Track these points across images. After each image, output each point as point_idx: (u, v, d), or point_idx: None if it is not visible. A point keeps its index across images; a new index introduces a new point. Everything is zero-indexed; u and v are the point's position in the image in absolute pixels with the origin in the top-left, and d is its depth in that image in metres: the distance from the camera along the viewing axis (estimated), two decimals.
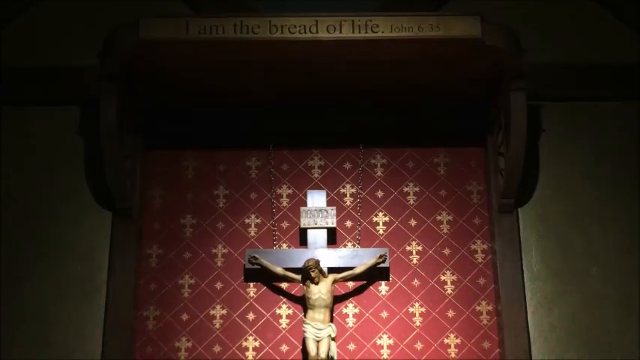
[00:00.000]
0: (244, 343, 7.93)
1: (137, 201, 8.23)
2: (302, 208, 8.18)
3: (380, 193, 8.45)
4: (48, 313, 7.85)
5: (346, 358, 7.87)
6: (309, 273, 7.69)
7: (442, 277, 8.14)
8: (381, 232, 8.30)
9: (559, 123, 8.49)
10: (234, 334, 7.95)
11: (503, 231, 8.11)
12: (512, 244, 8.07)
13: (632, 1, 8.67)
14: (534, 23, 8.61)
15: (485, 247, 8.25)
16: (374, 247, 8.20)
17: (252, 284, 8.12)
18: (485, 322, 8.00)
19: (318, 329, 7.59)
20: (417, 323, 7.99)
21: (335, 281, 7.81)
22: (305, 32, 7.41)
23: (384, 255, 7.97)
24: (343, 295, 8.06)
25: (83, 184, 8.29)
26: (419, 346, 7.92)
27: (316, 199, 8.26)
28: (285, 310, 8.05)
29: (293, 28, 7.41)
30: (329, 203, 8.27)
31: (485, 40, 7.39)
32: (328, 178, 8.49)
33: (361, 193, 8.42)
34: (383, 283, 8.12)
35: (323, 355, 7.52)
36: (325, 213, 8.13)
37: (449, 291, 8.09)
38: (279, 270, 7.88)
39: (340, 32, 7.41)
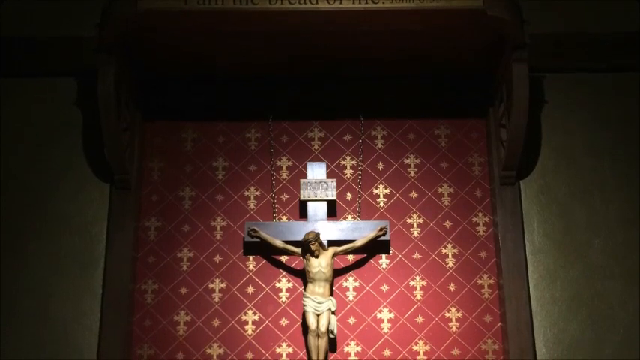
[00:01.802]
0: (244, 317, 7.82)
1: (135, 173, 8.10)
2: (302, 181, 8.05)
3: (380, 165, 8.30)
4: (45, 286, 7.74)
5: (346, 331, 7.76)
6: (309, 246, 7.58)
7: (443, 250, 8.01)
8: (381, 204, 8.16)
9: (561, 94, 8.34)
10: (233, 308, 7.84)
11: (504, 203, 7.96)
12: (514, 217, 7.92)
13: None
14: None
15: (486, 219, 8.11)
16: (374, 219, 8.06)
17: (251, 257, 8.00)
18: (486, 295, 7.87)
19: (318, 303, 7.49)
20: (418, 297, 7.87)
21: (335, 254, 7.71)
22: (305, 3, 7.24)
23: (384, 228, 7.85)
24: (343, 268, 7.95)
25: (81, 156, 8.16)
26: (420, 319, 7.80)
27: (316, 171, 8.12)
28: (284, 283, 7.93)
29: None
30: (329, 175, 8.14)
31: (486, 10, 7.21)
32: (328, 150, 8.36)
33: (361, 165, 8.29)
34: (383, 256, 8.00)
35: (323, 328, 7.43)
36: (325, 185, 8.00)
37: (450, 264, 7.97)
38: (278, 243, 7.76)
39: (340, 3, 7.24)
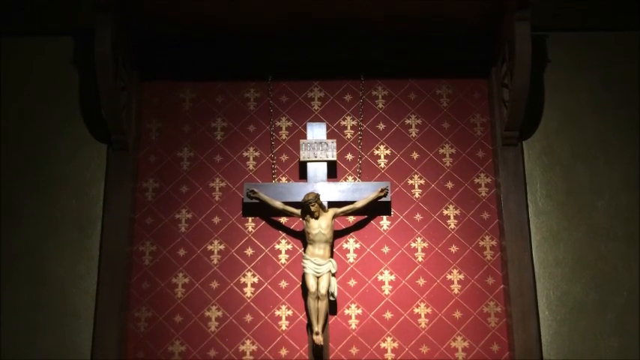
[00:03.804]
0: (243, 279, 7.67)
1: (133, 133, 7.97)
2: (302, 141, 7.87)
3: (381, 126, 8.10)
4: (42, 248, 7.61)
5: (347, 294, 7.61)
6: (308, 207, 7.43)
7: (445, 212, 7.85)
8: (382, 165, 7.97)
9: (564, 54, 8.19)
10: (232, 270, 7.71)
11: (507, 164, 7.80)
12: (517, 178, 7.78)
13: None
14: None
15: (489, 180, 7.94)
16: (375, 180, 7.90)
17: (250, 219, 7.84)
18: (489, 257, 7.72)
19: (318, 265, 7.36)
20: (420, 259, 7.72)
21: (335, 216, 7.57)
22: None
23: (385, 189, 7.69)
24: (344, 229, 7.80)
25: (78, 116, 8.01)
26: (421, 282, 7.65)
27: (316, 131, 7.94)
28: (284, 245, 7.78)
29: None
30: (329, 136, 7.98)
31: None
32: (328, 110, 8.18)
33: (362, 126, 8.10)
34: (384, 217, 7.84)
35: (323, 290, 7.32)
36: (325, 146, 7.83)
37: (452, 226, 7.81)
38: (278, 204, 7.61)
39: None
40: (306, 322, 7.41)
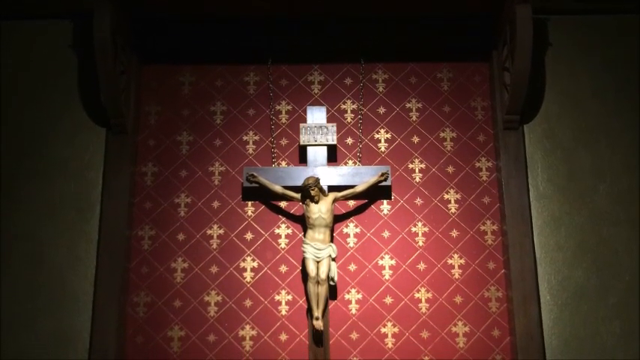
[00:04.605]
0: (242, 264, 7.60)
1: (132, 117, 7.88)
2: (301, 125, 7.79)
3: (382, 110, 8.02)
4: (40, 232, 7.53)
5: (347, 278, 7.54)
6: (308, 191, 7.37)
7: (446, 196, 7.78)
8: (382, 149, 7.90)
9: (565, 37, 8.10)
10: (231, 255, 7.64)
11: (508, 148, 7.73)
12: (518, 162, 7.70)
13: None
14: None
15: (490, 164, 7.86)
16: (375, 164, 7.83)
17: (250, 203, 7.77)
18: (490, 242, 7.65)
19: (318, 249, 7.30)
20: (420, 243, 7.64)
21: (335, 200, 7.51)
22: None
23: (385, 173, 7.61)
24: (344, 214, 7.73)
25: (77, 100, 7.92)
26: (422, 266, 7.58)
27: (316, 115, 7.86)
28: (284, 229, 7.70)
29: None
30: (329, 120, 7.91)
31: None
32: (328, 94, 8.10)
33: (362, 109, 8.02)
34: (385, 201, 7.77)
35: (323, 275, 7.25)
36: (325, 130, 7.75)
37: (452, 210, 7.73)
38: (277, 188, 7.55)
39: None
40: (306, 307, 7.35)
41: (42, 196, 7.58)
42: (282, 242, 7.61)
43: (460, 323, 7.38)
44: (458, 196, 7.72)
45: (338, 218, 7.61)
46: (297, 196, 7.44)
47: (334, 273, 7.28)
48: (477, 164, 7.82)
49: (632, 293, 7.32)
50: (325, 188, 7.50)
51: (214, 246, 7.59)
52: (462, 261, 7.53)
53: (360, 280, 7.50)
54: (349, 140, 7.88)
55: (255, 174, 7.54)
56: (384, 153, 7.85)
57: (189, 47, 8.12)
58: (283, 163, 7.83)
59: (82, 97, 7.86)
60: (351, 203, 7.69)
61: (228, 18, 7.99)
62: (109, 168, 7.63)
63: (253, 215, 7.69)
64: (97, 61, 7.27)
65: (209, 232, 7.63)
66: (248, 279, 7.50)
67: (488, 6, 7.80)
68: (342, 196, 7.48)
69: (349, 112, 7.97)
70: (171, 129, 7.94)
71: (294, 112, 7.98)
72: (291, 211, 7.70)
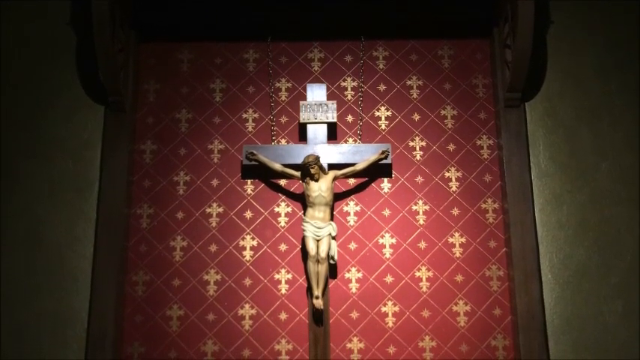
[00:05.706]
0: (242, 242, 7.52)
1: (130, 95, 7.78)
2: (301, 103, 7.69)
3: (382, 87, 7.91)
4: (38, 210, 7.45)
5: (347, 257, 7.44)
6: (308, 169, 7.29)
7: (447, 174, 7.67)
8: (383, 127, 7.79)
9: (567, 14, 7.98)
10: (231, 233, 7.55)
11: (509, 126, 7.63)
12: (519, 140, 7.60)
13: None
14: None
15: (491, 142, 7.75)
16: (376, 142, 7.74)
17: (249, 181, 7.68)
18: (491, 220, 7.56)
19: (318, 228, 7.21)
20: (421, 222, 7.55)
21: (335, 178, 7.43)
22: None
23: (386, 151, 7.53)
24: (344, 192, 7.64)
25: (75, 77, 7.81)
26: (422, 245, 7.49)
27: (316, 92, 7.75)
28: (283, 207, 7.62)
29: None
30: (329, 97, 7.81)
31: None
32: (328, 71, 7.99)
33: (363, 87, 7.91)
34: (385, 180, 7.68)
35: (323, 254, 7.18)
36: (325, 107, 7.65)
37: (453, 188, 7.64)
38: (277, 166, 7.47)
39: None
40: (306, 285, 7.27)
41: (40, 174, 7.49)
42: (282, 221, 7.52)
43: (461, 302, 7.29)
44: (459, 174, 7.62)
45: (338, 196, 7.52)
46: (297, 174, 7.36)
47: (334, 252, 7.20)
48: (478, 142, 7.70)
49: (634, 272, 7.25)
50: (325, 166, 7.40)
51: (214, 224, 7.50)
52: (463, 239, 7.43)
53: (360, 258, 7.42)
54: (349, 118, 7.78)
55: (254, 152, 7.45)
56: (384, 131, 7.74)
57: (188, 24, 8.01)
58: (283, 141, 7.72)
59: (81, 75, 7.76)
60: (352, 181, 7.61)
61: None
62: (108, 146, 7.54)
63: (253, 193, 7.59)
64: (95, 38, 7.16)
65: (208, 210, 7.54)
66: (247, 258, 7.41)
67: None
68: (343, 174, 7.40)
69: (349, 89, 7.87)
70: (170, 106, 7.85)
71: (294, 89, 7.88)
72: (291, 190, 7.61)
